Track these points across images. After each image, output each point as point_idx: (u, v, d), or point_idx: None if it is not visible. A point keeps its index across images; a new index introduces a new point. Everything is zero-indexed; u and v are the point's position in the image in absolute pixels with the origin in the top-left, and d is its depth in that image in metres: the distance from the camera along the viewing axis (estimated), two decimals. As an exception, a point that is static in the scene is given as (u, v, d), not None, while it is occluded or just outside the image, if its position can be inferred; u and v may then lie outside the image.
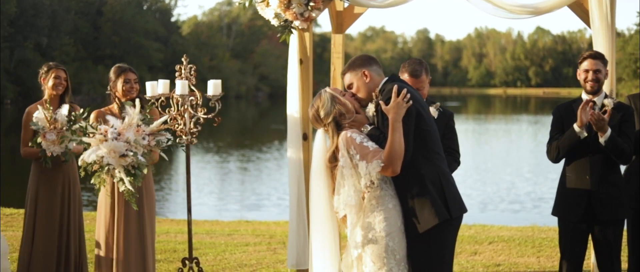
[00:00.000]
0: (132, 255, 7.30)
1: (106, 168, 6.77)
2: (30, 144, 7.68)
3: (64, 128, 7.54)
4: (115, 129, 6.77)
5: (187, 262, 7.95)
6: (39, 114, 7.58)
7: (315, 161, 5.77)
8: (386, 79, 5.76)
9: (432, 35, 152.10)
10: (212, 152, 33.64)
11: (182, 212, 17.97)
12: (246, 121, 61.13)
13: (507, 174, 25.03)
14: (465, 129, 47.16)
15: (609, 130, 6.55)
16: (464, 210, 5.68)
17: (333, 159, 5.61)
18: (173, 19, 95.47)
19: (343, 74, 5.86)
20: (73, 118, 7.44)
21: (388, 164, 5.35)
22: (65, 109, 7.64)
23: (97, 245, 7.46)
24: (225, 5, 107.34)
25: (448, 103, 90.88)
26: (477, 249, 10.60)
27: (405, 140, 5.38)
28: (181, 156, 32.30)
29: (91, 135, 6.82)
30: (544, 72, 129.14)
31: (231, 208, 19.24)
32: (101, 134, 6.77)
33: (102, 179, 6.89)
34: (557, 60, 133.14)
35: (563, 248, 6.96)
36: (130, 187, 6.78)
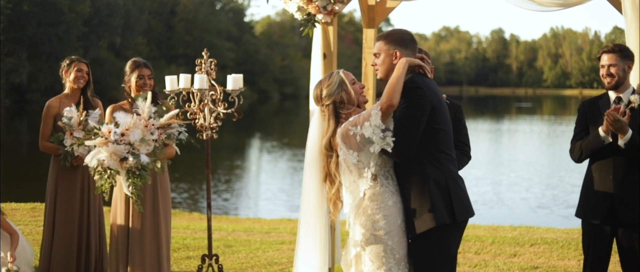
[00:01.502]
0: (147, 250, 7.21)
1: (108, 172, 6.67)
2: (51, 140, 7.65)
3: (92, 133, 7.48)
4: (119, 129, 6.67)
5: (206, 259, 7.85)
6: (72, 111, 7.54)
7: (309, 147, 5.60)
8: (412, 74, 5.44)
9: (506, 35, 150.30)
10: (280, 149, 33.75)
11: (244, 211, 18.06)
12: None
13: (569, 175, 24.51)
14: (540, 130, 46.54)
15: (630, 133, 6.21)
16: (471, 214, 5.43)
17: (329, 147, 5.43)
18: (246, 19, 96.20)
19: (378, 39, 5.55)
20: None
21: (385, 100, 5.18)
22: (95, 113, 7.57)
23: (112, 238, 7.39)
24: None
25: (523, 104, 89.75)
26: (518, 251, 10.30)
27: (414, 132, 5.16)
28: (252, 155, 32.53)
29: (94, 137, 6.75)
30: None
31: (290, 205, 19.17)
32: (103, 137, 6.68)
33: (106, 181, 6.77)
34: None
35: (586, 251, 6.66)
36: (127, 191, 6.70)
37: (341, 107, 5.43)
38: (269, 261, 9.69)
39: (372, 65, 5.54)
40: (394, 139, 5.14)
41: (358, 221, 5.34)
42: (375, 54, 5.52)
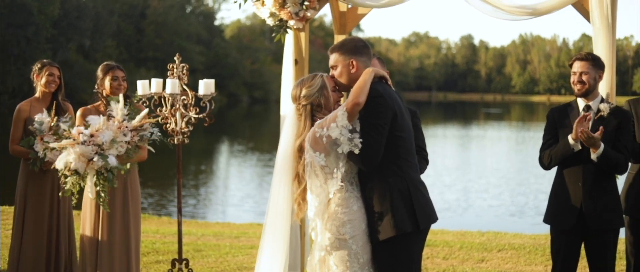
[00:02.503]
0: (116, 254, 7.21)
1: (75, 175, 6.66)
2: (20, 144, 7.63)
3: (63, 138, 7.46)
4: (88, 130, 6.67)
5: (176, 263, 7.86)
6: (43, 117, 7.52)
7: (281, 149, 5.60)
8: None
9: (476, 42, 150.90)
10: (249, 153, 33.73)
11: (212, 215, 18.02)
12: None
13: (538, 182, 24.71)
14: (508, 136, 46.83)
15: (602, 147, 6.30)
16: (433, 220, 5.48)
17: (301, 149, 5.44)
18: (216, 23, 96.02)
19: (331, 52, 5.58)
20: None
21: (351, 99, 5.22)
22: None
23: (82, 242, 7.37)
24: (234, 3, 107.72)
25: (491, 110, 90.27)
26: (486, 256, 10.39)
27: (378, 140, 5.20)
28: (221, 160, 32.46)
29: (64, 140, 6.74)
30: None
31: (259, 210, 19.17)
32: (72, 138, 6.68)
33: (74, 184, 6.75)
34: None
35: (555, 258, 6.74)
36: (90, 194, 6.70)
37: (318, 111, 5.44)
38: (238, 266, 9.71)
39: (331, 77, 5.55)
40: (360, 140, 5.18)
41: (325, 225, 5.37)
42: (332, 67, 5.55)
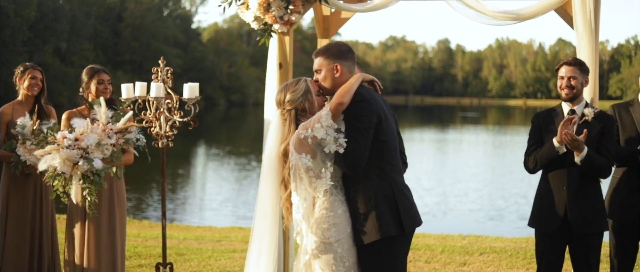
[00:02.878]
0: (103, 258, 7.19)
1: (62, 178, 6.63)
2: (3, 148, 7.59)
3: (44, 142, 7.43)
4: (73, 134, 6.65)
5: (160, 267, 7.85)
6: (25, 121, 7.49)
7: (267, 153, 5.62)
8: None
9: (452, 46, 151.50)
10: (227, 157, 33.66)
11: (190, 219, 17.97)
12: (262, 129, 61.09)
13: (517, 186, 24.84)
14: (485, 140, 46.98)
15: (585, 150, 6.37)
16: (418, 224, 5.51)
17: (286, 154, 5.45)
18: (193, 26, 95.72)
19: (315, 56, 5.62)
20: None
21: (335, 100, 5.28)
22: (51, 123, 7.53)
23: (67, 247, 7.35)
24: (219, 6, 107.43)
25: (468, 114, 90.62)
26: (467, 260, 10.43)
27: (363, 144, 5.23)
28: (198, 163, 32.36)
29: (45, 144, 6.72)
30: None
31: (238, 214, 19.15)
32: (56, 143, 6.66)
33: (61, 185, 6.72)
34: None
35: (540, 261, 6.79)
36: (74, 199, 6.68)
37: (302, 115, 5.46)
38: (221, 269, 9.71)
39: (315, 81, 5.58)
40: (345, 140, 5.21)
41: (310, 229, 5.39)
42: (316, 71, 5.58)
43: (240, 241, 12.08)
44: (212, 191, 23.61)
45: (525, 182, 25.19)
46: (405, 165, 6.49)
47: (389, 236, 5.27)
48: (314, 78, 5.61)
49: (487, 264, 10.12)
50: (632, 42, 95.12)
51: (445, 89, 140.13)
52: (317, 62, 5.57)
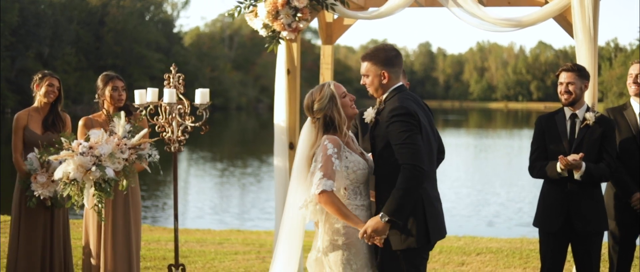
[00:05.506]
0: (119, 263, 7.38)
1: (75, 185, 6.80)
2: (19, 183, 7.77)
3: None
4: (88, 143, 6.84)
5: (173, 268, 8.03)
6: (33, 157, 7.65)
7: (298, 156, 5.69)
8: (394, 87, 5.59)
9: (434, 49, 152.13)
10: (210, 161, 33.74)
11: (188, 221, 18.08)
12: (246, 132, 61.19)
13: (502, 188, 25.12)
14: (467, 143, 47.20)
15: (583, 167, 6.65)
16: (443, 235, 5.61)
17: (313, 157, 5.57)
18: (175, 30, 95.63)
19: (363, 60, 5.67)
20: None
21: (323, 199, 5.35)
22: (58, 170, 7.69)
23: (85, 252, 7.53)
24: (227, 17, 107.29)
25: (449, 117, 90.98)
26: (465, 260, 10.67)
27: (419, 145, 5.26)
28: (181, 168, 32.37)
29: (63, 151, 6.90)
30: (545, 87, 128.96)
31: (226, 217, 19.29)
32: (71, 149, 6.85)
33: (75, 193, 6.89)
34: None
35: (543, 258, 7.05)
36: (87, 204, 6.87)
37: (332, 121, 5.53)
38: (226, 271, 9.89)
39: (362, 84, 5.67)
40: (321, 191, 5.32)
41: (323, 227, 5.56)
42: (363, 75, 5.65)
43: (242, 243, 12.28)
44: (199, 195, 23.65)
45: (512, 185, 25.50)
46: (442, 154, 6.49)
47: (415, 248, 5.37)
48: (361, 82, 5.70)
49: (485, 264, 10.37)
50: (612, 44, 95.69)
51: (426, 92, 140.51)
52: (365, 66, 5.64)
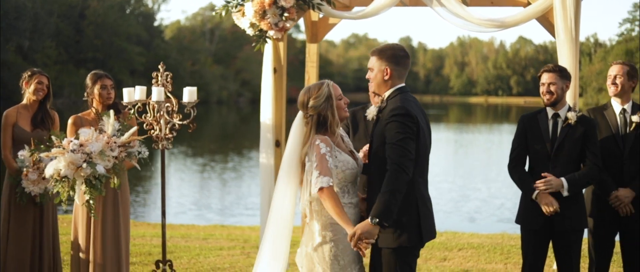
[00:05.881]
0: (108, 258, 7.47)
1: (66, 181, 6.90)
2: (10, 180, 7.85)
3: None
4: (78, 141, 6.92)
5: (160, 264, 8.13)
6: (25, 154, 7.73)
7: (287, 153, 5.78)
8: (397, 87, 5.68)
9: (414, 43, 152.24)
10: (191, 156, 33.76)
11: (157, 215, 18.09)
12: (227, 126, 61.16)
13: (484, 183, 25.31)
14: (447, 138, 47.33)
15: (565, 183, 6.87)
16: (434, 236, 5.76)
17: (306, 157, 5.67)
18: (156, 23, 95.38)
19: (371, 54, 5.76)
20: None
21: (323, 194, 5.46)
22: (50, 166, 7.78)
23: (74, 247, 7.61)
24: (208, 11, 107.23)
25: (430, 111, 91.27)
26: (447, 255, 10.82)
27: (409, 149, 5.38)
28: (158, 159, 32.41)
29: (54, 148, 6.99)
30: (525, 82, 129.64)
31: (208, 212, 19.36)
32: (62, 147, 6.93)
33: (65, 190, 6.98)
34: (539, 69, 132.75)
35: (525, 255, 7.20)
36: (77, 201, 6.95)
37: (325, 120, 5.64)
38: (212, 267, 9.99)
39: (367, 78, 5.81)
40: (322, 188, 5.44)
41: (311, 224, 5.72)
42: (369, 68, 5.76)
43: (226, 239, 12.38)
44: (180, 190, 23.66)
45: (492, 181, 25.69)
46: None
47: (408, 246, 5.53)
48: (366, 75, 5.82)
49: (466, 259, 10.52)
50: (591, 40, 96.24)
51: (407, 86, 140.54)
52: (371, 60, 5.73)
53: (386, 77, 5.65)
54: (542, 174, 6.94)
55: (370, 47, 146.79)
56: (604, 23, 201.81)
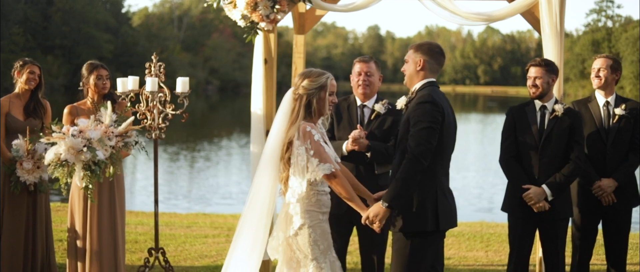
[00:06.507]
0: (105, 245, 7.58)
1: (64, 165, 7.01)
2: (4, 169, 7.93)
3: (42, 160, 7.80)
4: (77, 128, 7.05)
5: (153, 252, 8.25)
6: (20, 143, 7.82)
7: (271, 139, 6.01)
8: (428, 80, 5.96)
9: (382, 32, 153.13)
10: (161, 145, 33.68)
11: (141, 204, 18.15)
12: (195, 114, 61.04)
13: (458, 173, 25.59)
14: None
15: (548, 192, 7.10)
16: (454, 225, 5.99)
17: (290, 146, 5.90)
18: (123, 10, 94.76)
19: (410, 48, 6.08)
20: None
21: (336, 180, 5.75)
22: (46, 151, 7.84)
23: (70, 235, 7.71)
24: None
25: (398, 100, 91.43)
26: (429, 243, 11.00)
27: (433, 143, 5.64)
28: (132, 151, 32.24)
29: (55, 134, 7.10)
30: (492, 71, 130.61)
31: (185, 202, 19.39)
32: (63, 132, 7.05)
33: (63, 176, 7.09)
34: (506, 59, 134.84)
35: (512, 242, 7.39)
36: (79, 183, 7.06)
37: (309, 106, 5.91)
38: (199, 254, 10.13)
39: (402, 70, 6.11)
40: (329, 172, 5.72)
41: (292, 208, 5.93)
42: (405, 60, 6.09)
43: (209, 227, 12.51)
44: (151, 180, 23.58)
45: (465, 170, 25.94)
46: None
47: (425, 231, 5.77)
48: (402, 68, 6.11)
49: (448, 247, 10.72)
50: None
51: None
52: (408, 53, 6.08)
53: (418, 68, 5.95)
54: (523, 186, 7.15)
55: (338, 35, 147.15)
56: (570, 14, 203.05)
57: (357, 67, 7.43)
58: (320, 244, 5.89)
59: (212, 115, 59.28)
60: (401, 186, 5.61)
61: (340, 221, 7.02)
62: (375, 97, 7.44)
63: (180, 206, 18.44)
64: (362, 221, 5.76)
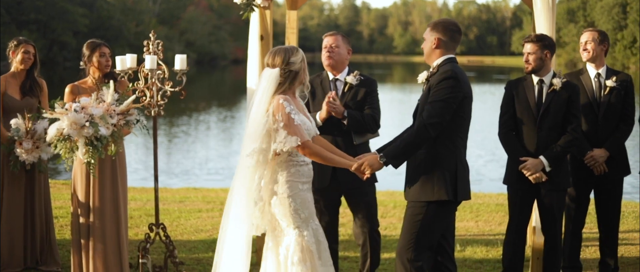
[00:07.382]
0: (108, 221, 7.65)
1: (67, 140, 7.10)
2: (2, 148, 8.00)
3: (41, 140, 7.88)
4: (80, 104, 7.13)
5: (154, 227, 8.35)
6: (19, 123, 7.89)
7: (252, 116, 6.07)
8: (448, 57, 6.11)
9: (358, 3, 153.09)
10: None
11: (131, 180, 18.18)
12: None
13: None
14: (391, 98, 47.65)
15: (545, 162, 7.26)
16: (468, 197, 6.20)
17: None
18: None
19: (428, 26, 6.26)
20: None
21: (306, 149, 5.91)
22: (42, 124, 7.92)
23: (73, 211, 7.79)
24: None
25: (374, 71, 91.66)
26: (420, 214, 11.16)
27: (446, 118, 5.87)
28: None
29: (57, 109, 7.17)
30: (468, 41, 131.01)
31: (170, 178, 19.37)
32: (65, 109, 7.13)
33: (67, 151, 7.18)
34: (482, 29, 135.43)
35: (512, 212, 7.57)
36: (82, 157, 7.15)
37: (293, 79, 6.07)
38: (195, 229, 10.24)
39: (422, 47, 6.26)
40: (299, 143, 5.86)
41: (275, 176, 6.07)
42: (424, 38, 6.25)
43: (201, 201, 12.60)
44: (139, 155, 23.59)
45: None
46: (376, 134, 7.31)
47: (443, 200, 5.96)
48: (422, 46, 6.26)
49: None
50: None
51: (351, 46, 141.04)
52: (426, 32, 6.25)
53: (434, 46, 6.11)
54: (520, 158, 7.33)
55: (313, 7, 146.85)
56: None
57: (324, 41, 7.77)
58: (301, 212, 6.04)
59: (189, 89, 58.81)
60: (404, 148, 5.88)
61: (326, 194, 7.31)
62: (346, 70, 7.69)
63: (165, 182, 18.48)
64: (352, 168, 5.95)
